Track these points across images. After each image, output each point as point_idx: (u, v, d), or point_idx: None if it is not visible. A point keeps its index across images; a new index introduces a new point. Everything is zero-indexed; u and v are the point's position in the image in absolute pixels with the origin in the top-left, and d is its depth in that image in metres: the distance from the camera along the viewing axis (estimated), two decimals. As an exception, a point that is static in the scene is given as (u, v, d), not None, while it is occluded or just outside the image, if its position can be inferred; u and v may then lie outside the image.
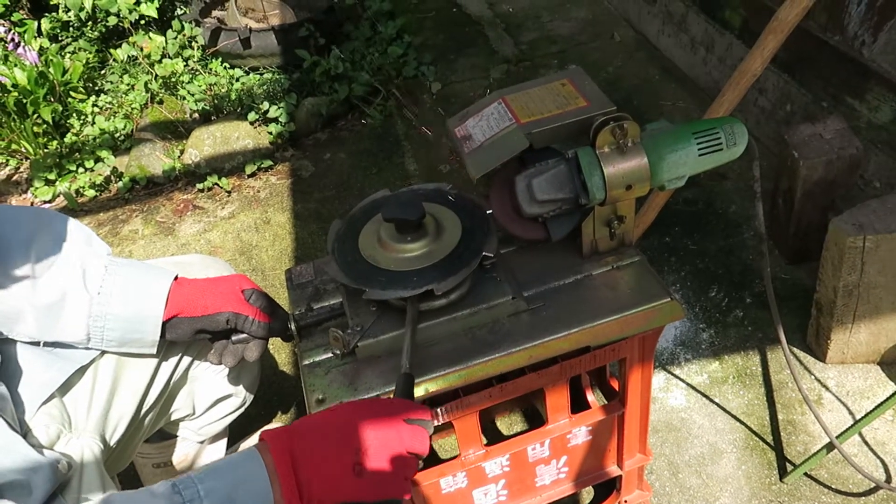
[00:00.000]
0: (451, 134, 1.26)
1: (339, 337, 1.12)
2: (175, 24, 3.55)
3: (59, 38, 3.66)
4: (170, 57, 3.46)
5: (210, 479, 0.84)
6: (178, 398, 1.37)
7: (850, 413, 1.82)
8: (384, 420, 0.91)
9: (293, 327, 1.20)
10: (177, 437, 1.50)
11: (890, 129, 2.04)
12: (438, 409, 1.22)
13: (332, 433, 0.89)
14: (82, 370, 1.16)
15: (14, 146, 3.17)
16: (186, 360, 1.33)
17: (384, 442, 0.89)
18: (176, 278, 1.18)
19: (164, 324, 1.16)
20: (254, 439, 1.81)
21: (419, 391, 1.11)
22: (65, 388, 1.13)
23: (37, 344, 1.12)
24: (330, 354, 1.18)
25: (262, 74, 3.40)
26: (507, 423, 1.90)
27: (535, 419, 1.89)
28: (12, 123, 3.11)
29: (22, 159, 3.22)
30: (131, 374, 1.22)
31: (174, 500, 0.81)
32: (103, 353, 1.19)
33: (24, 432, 1.04)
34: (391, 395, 1.10)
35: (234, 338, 1.23)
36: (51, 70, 3.25)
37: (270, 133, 3.06)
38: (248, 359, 1.25)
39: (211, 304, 1.17)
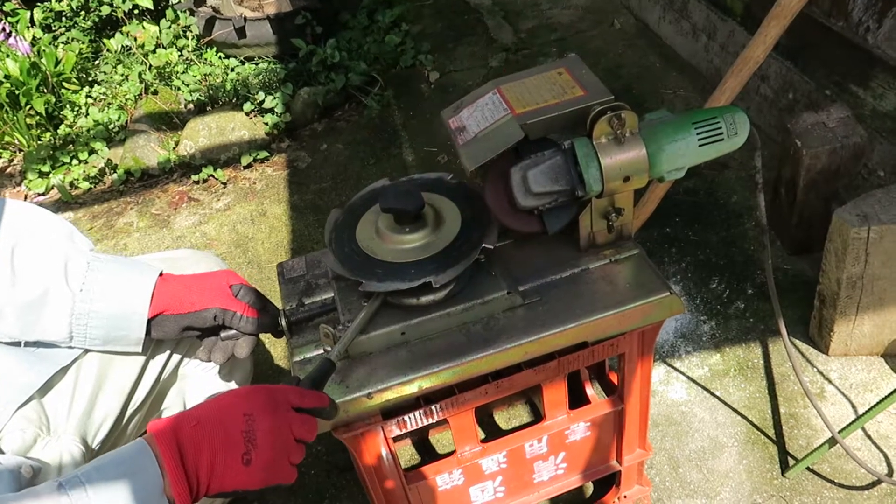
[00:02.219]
0: (445, 125, 1.23)
1: (329, 333, 1.09)
2: (169, 13, 3.51)
3: (52, 29, 3.62)
4: (164, 47, 3.43)
5: (97, 476, 0.82)
6: (168, 396, 1.34)
7: (853, 406, 1.79)
8: (271, 409, 0.90)
9: (284, 323, 1.17)
10: (168, 434, 1.47)
11: (895, 117, 2.01)
12: (433, 406, 1.20)
13: (219, 423, 0.87)
14: (64, 370, 1.13)
15: (7, 138, 3.14)
16: (176, 357, 1.30)
17: (272, 429, 0.89)
18: (161, 274, 1.15)
19: (149, 321, 1.13)
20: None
21: (413, 387, 1.09)
22: (44, 388, 1.10)
23: (17, 344, 1.09)
24: (321, 351, 1.15)
25: (257, 64, 3.37)
26: (506, 417, 1.87)
27: (535, 412, 1.86)
28: (5, 115, 3.08)
29: (15, 151, 3.19)
30: (117, 372, 1.20)
31: (60, 502, 0.79)
32: (86, 351, 1.16)
33: None
34: (377, 393, 1.08)
35: (222, 334, 1.20)
36: (43, 61, 3.22)
37: (266, 124, 3.03)
38: (238, 356, 1.23)
39: (198, 301, 1.14)
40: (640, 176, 1.13)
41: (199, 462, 0.85)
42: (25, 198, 2.96)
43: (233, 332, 1.20)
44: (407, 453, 1.83)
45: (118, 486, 0.81)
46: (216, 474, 0.86)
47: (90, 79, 3.42)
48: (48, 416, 1.09)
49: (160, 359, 1.27)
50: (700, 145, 1.14)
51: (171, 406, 1.36)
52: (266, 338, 2.05)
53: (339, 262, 1.12)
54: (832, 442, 1.56)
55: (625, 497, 1.58)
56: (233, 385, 1.43)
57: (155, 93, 3.24)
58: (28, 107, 3.12)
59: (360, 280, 1.09)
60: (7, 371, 1.07)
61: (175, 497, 0.83)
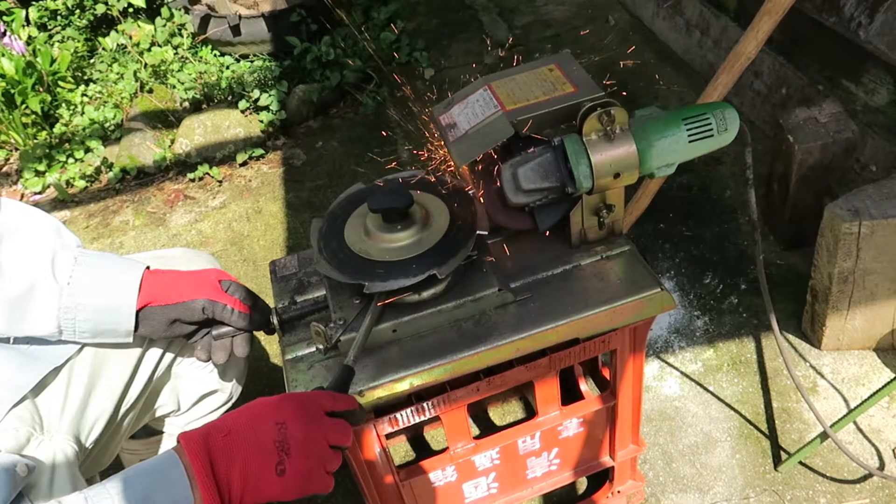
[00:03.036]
0: (436, 122, 1.23)
1: (321, 331, 1.10)
2: (164, 11, 3.51)
3: (47, 27, 3.62)
4: (159, 45, 3.43)
5: (123, 488, 0.80)
6: (162, 395, 1.34)
7: (845, 400, 1.80)
8: (305, 415, 0.88)
9: (275, 321, 1.17)
10: (163, 433, 1.48)
11: (886, 112, 2.01)
12: (425, 404, 1.20)
13: (251, 432, 0.85)
14: (57, 370, 1.13)
15: (3, 137, 3.14)
16: (169, 356, 1.30)
17: (305, 438, 0.87)
18: (148, 268, 1.15)
19: (137, 314, 1.13)
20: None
21: (404, 385, 1.09)
22: (38, 388, 1.10)
23: (7, 341, 1.09)
24: (313, 349, 1.16)
25: (252, 62, 3.37)
26: (501, 413, 1.88)
27: (529, 408, 1.87)
28: (0, 114, 3.07)
29: (11, 150, 3.19)
30: (109, 372, 1.20)
31: None
32: (80, 351, 1.16)
33: None
34: (369, 391, 1.08)
35: (214, 332, 1.19)
36: (39, 59, 3.21)
37: (261, 121, 3.03)
38: (238, 354, 1.23)
39: (186, 292, 1.13)
40: (630, 172, 1.13)
41: (231, 474, 0.83)
42: (22, 196, 2.97)
43: (225, 329, 1.19)
44: (402, 450, 1.84)
45: (143, 497, 0.79)
46: (249, 486, 0.84)
47: (85, 77, 3.42)
48: (41, 416, 1.09)
49: (153, 358, 1.27)
50: (690, 141, 1.15)
51: (165, 404, 1.36)
52: (261, 336, 2.06)
53: (337, 269, 1.11)
54: (824, 436, 1.57)
55: (618, 492, 1.59)
56: (227, 383, 1.43)
57: (150, 91, 3.23)
58: (24, 105, 3.11)
59: (362, 283, 1.08)
60: (0, 370, 1.07)
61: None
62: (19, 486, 0.92)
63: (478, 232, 1.14)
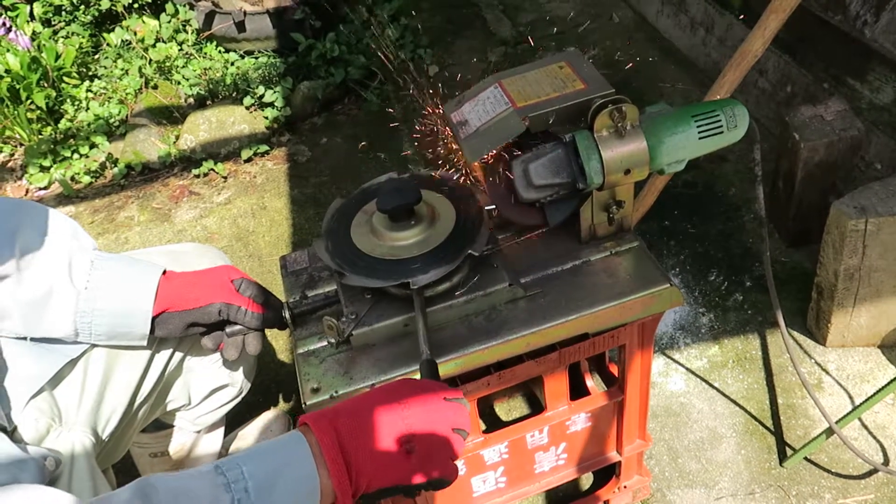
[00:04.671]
0: (447, 119, 1.24)
1: (333, 325, 1.11)
2: (169, 7, 3.51)
3: (52, 23, 3.62)
4: (164, 41, 3.43)
5: (253, 461, 0.81)
6: (174, 389, 1.35)
7: (850, 396, 1.81)
8: (427, 398, 0.89)
9: (287, 316, 1.18)
10: (173, 426, 1.49)
11: (892, 110, 2.02)
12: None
13: (378, 412, 0.86)
14: (73, 363, 1.14)
15: (8, 132, 3.14)
16: (181, 351, 1.31)
17: (431, 419, 0.87)
18: (164, 272, 1.16)
19: (153, 319, 1.14)
20: (254, 426, 1.80)
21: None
22: (55, 381, 1.11)
23: (24, 339, 1.10)
24: (325, 343, 1.17)
25: (257, 58, 3.37)
26: (506, 409, 1.89)
27: (535, 404, 1.88)
28: (6, 109, 3.08)
29: (16, 146, 3.19)
30: (124, 366, 1.21)
31: (217, 481, 0.78)
32: (94, 345, 1.17)
33: (13, 428, 1.02)
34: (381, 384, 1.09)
35: (228, 330, 1.21)
36: (43, 55, 3.21)
37: (266, 118, 3.03)
38: (251, 352, 1.24)
39: (201, 297, 1.15)
40: (640, 168, 1.14)
41: (359, 455, 0.83)
42: (27, 192, 2.97)
43: (238, 327, 1.21)
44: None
45: (273, 472, 0.80)
46: (378, 467, 0.84)
47: (90, 73, 3.42)
48: (60, 408, 1.10)
49: (165, 353, 1.28)
50: (700, 138, 1.16)
51: (176, 398, 1.37)
52: (268, 332, 2.07)
53: (362, 274, 1.11)
54: (829, 432, 1.57)
55: (625, 487, 1.60)
56: (237, 378, 1.44)
57: (155, 87, 3.24)
58: (29, 101, 3.12)
59: (406, 281, 1.09)
60: (18, 362, 1.07)
61: (336, 487, 0.82)
62: (46, 480, 0.93)
63: (488, 208, 1.17)
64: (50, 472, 0.95)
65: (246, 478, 0.79)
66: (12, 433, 1.00)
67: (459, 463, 1.37)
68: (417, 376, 1.09)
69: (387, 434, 0.85)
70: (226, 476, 0.79)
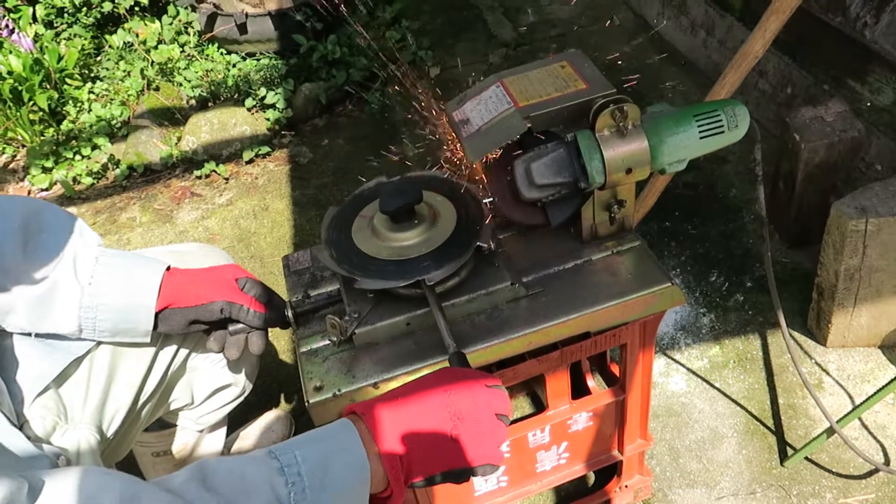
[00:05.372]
0: (449, 118, 1.24)
1: (336, 324, 1.11)
2: (170, 9, 3.52)
3: (54, 25, 3.62)
4: (166, 43, 3.43)
5: (305, 447, 0.82)
6: (177, 388, 1.35)
7: (851, 397, 1.81)
8: (470, 384, 0.90)
9: (290, 315, 1.19)
10: (176, 425, 1.49)
11: (892, 111, 2.03)
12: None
13: (424, 399, 0.87)
14: (78, 361, 1.14)
15: (10, 134, 3.15)
16: (184, 350, 1.32)
17: (475, 404, 0.88)
18: (168, 269, 1.17)
19: (156, 315, 1.15)
20: (256, 426, 1.80)
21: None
22: (60, 379, 1.12)
23: (29, 335, 1.11)
24: (328, 342, 1.17)
25: (258, 60, 3.38)
26: (508, 409, 1.89)
27: (537, 403, 1.88)
28: (8, 111, 3.09)
29: (18, 147, 3.20)
30: (128, 364, 1.21)
31: (271, 465, 0.79)
32: (99, 343, 1.17)
33: (21, 424, 1.03)
34: (383, 383, 1.09)
35: (231, 328, 1.21)
36: (46, 57, 3.22)
37: (268, 119, 3.04)
38: (253, 351, 1.24)
39: (204, 294, 1.16)
40: (642, 168, 1.15)
41: (409, 440, 0.84)
42: (29, 193, 2.98)
43: (241, 325, 1.21)
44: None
45: (325, 458, 0.81)
46: (425, 451, 0.85)
47: (92, 75, 3.43)
48: (65, 406, 1.11)
49: (168, 352, 1.28)
50: (701, 137, 1.16)
51: (179, 398, 1.37)
52: (270, 331, 2.07)
53: (388, 279, 1.12)
54: (830, 432, 1.58)
55: (626, 486, 1.60)
56: (240, 377, 1.45)
57: (157, 89, 3.25)
58: (31, 102, 3.12)
59: (421, 279, 1.09)
60: (24, 360, 1.08)
61: (388, 473, 0.83)
62: None
63: (486, 200, 1.18)
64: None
65: (299, 462, 0.80)
66: (21, 429, 1.00)
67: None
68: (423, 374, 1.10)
69: (434, 420, 0.86)
70: (279, 460, 0.80)
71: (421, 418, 0.86)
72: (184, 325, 1.18)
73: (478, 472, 0.89)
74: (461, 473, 0.88)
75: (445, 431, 0.86)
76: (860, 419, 1.75)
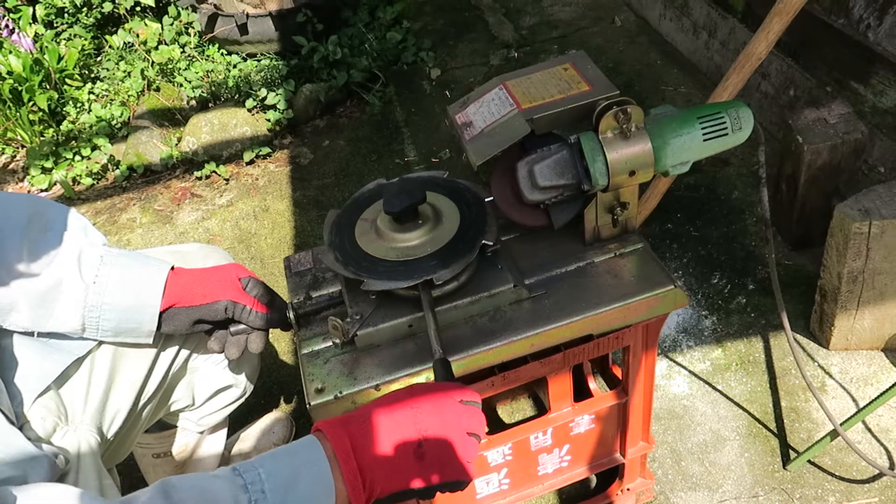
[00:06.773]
0: (451, 121, 1.24)
1: (338, 326, 1.10)
2: (171, 9, 3.52)
3: (55, 25, 3.62)
4: (166, 43, 3.43)
5: (270, 464, 0.82)
6: (178, 389, 1.35)
7: (854, 400, 1.80)
8: (440, 401, 0.88)
9: (291, 316, 1.18)
10: (176, 427, 1.49)
11: (895, 113, 2.02)
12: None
13: (390, 417, 0.86)
14: (78, 362, 1.14)
15: (10, 134, 3.15)
16: (185, 351, 1.32)
17: (443, 423, 0.87)
18: (172, 268, 1.16)
19: (160, 314, 1.14)
20: (256, 427, 1.80)
21: (420, 380, 1.10)
22: (61, 380, 1.11)
23: (31, 334, 1.10)
24: (329, 343, 1.17)
25: (259, 61, 3.37)
26: (509, 411, 1.88)
27: (538, 406, 1.87)
28: (8, 111, 3.08)
29: (18, 147, 3.20)
30: (129, 365, 1.21)
31: (235, 482, 0.79)
32: (100, 344, 1.17)
33: (21, 424, 1.02)
34: (385, 385, 1.09)
35: (232, 329, 1.21)
36: (46, 57, 3.22)
37: (268, 120, 3.04)
38: (253, 351, 1.24)
39: (209, 293, 1.15)
40: (645, 170, 1.14)
41: (371, 457, 0.84)
42: (28, 193, 2.97)
43: (242, 326, 1.21)
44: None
45: (289, 475, 0.81)
46: (390, 470, 0.84)
47: (93, 75, 3.42)
48: (66, 407, 1.10)
49: (170, 353, 1.28)
50: (705, 140, 1.16)
51: (180, 399, 1.37)
52: (271, 333, 2.07)
53: (394, 280, 1.10)
54: (833, 435, 1.57)
55: (628, 489, 1.59)
56: (240, 379, 1.44)
57: (157, 89, 3.24)
58: (31, 103, 3.12)
59: (429, 278, 1.08)
60: (25, 360, 1.08)
61: (348, 488, 0.82)
62: (56, 478, 0.93)
63: (487, 199, 1.18)
64: (60, 469, 0.95)
65: (263, 479, 0.80)
66: (21, 430, 1.00)
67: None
68: (423, 378, 1.10)
69: (398, 439, 0.86)
70: (243, 477, 0.80)
71: (385, 437, 0.85)
72: (188, 324, 1.18)
73: (444, 489, 0.88)
74: (424, 491, 0.87)
75: (409, 451, 0.86)
76: (863, 423, 1.75)
